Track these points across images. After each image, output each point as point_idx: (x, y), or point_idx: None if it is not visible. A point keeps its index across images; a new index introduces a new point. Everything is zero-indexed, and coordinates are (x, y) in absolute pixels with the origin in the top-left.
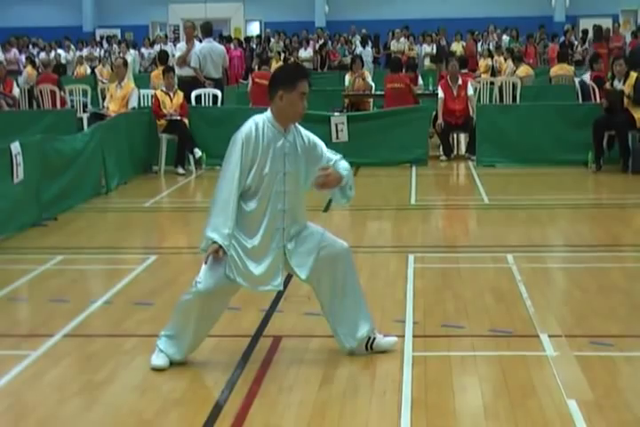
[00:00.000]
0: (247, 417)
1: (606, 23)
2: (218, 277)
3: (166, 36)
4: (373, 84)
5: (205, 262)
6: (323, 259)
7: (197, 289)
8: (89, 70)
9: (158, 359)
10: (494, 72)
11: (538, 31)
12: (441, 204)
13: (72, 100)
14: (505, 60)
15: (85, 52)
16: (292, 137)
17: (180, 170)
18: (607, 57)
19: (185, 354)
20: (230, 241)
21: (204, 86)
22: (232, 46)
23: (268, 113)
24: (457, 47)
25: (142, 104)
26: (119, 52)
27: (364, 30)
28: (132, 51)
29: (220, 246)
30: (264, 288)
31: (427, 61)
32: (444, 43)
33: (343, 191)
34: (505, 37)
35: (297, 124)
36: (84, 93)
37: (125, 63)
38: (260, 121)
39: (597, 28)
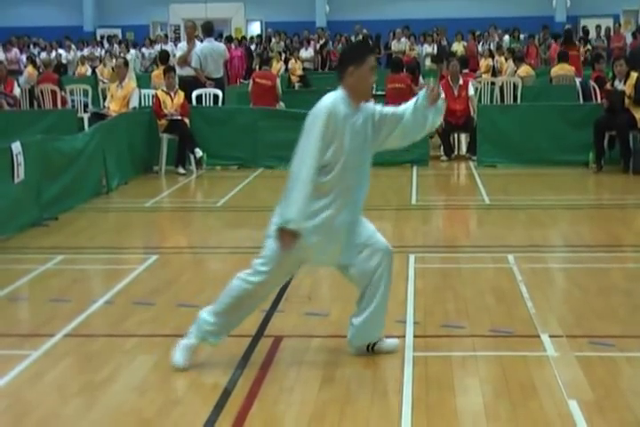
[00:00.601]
0: (248, 417)
1: (607, 23)
2: (286, 262)
3: (167, 36)
4: (374, 85)
5: (280, 245)
6: (365, 255)
7: (262, 279)
8: (90, 70)
9: (181, 356)
10: (495, 72)
11: (542, 31)
12: (442, 204)
13: (73, 100)
14: (506, 60)
15: (86, 51)
16: (363, 113)
17: (181, 170)
18: (577, 59)
19: (222, 337)
20: (306, 223)
21: (205, 86)
22: (233, 46)
23: (340, 91)
24: (458, 47)
25: (143, 104)
26: (119, 52)
27: (365, 30)
28: (132, 51)
29: (296, 231)
30: (333, 262)
31: (427, 61)
32: (444, 43)
33: (437, 110)
34: (506, 37)
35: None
36: (85, 93)
37: (126, 63)
38: (337, 97)
39: (567, 30)
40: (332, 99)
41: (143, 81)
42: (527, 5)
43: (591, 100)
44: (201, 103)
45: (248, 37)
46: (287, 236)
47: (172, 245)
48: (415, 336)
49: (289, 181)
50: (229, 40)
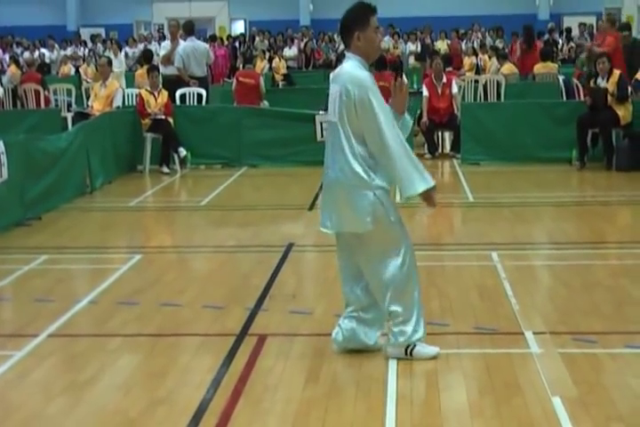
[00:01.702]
0: (232, 416)
1: (590, 21)
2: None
3: (151, 35)
4: None
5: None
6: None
7: (406, 250)
8: (73, 70)
9: (428, 349)
10: (479, 70)
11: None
12: None
13: (56, 100)
14: (489, 58)
15: (69, 51)
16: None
17: (165, 169)
18: (534, 56)
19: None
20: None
21: (189, 85)
22: (216, 45)
23: (352, 58)
24: (442, 45)
25: (127, 103)
26: (103, 51)
27: None
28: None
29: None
30: None
31: (411, 60)
32: (428, 41)
33: (405, 127)
34: (489, 37)
35: None
36: (69, 93)
37: (110, 62)
38: (356, 63)
39: (527, 28)
40: (354, 67)
41: (126, 80)
42: (510, 3)
43: (574, 97)
44: (185, 102)
45: (232, 36)
46: (431, 195)
47: (156, 245)
48: None
49: (382, 158)
50: (213, 39)
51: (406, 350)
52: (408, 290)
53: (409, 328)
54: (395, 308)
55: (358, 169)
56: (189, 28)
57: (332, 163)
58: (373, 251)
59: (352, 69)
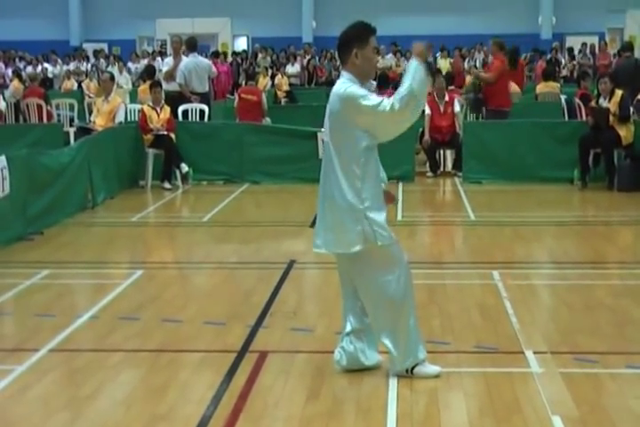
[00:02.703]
0: None
1: (592, 41)
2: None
3: (154, 51)
4: None
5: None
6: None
7: (400, 273)
8: (76, 84)
9: (430, 369)
10: (481, 89)
11: (530, 52)
12: (427, 220)
13: (59, 115)
14: None
15: (72, 66)
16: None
17: (167, 185)
18: (521, 77)
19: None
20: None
21: (191, 101)
22: (219, 61)
23: (346, 75)
24: (444, 64)
25: (129, 119)
26: (106, 66)
27: None
28: (130, 64)
29: None
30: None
31: None
32: (431, 59)
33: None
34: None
35: None
36: (71, 108)
37: (112, 78)
38: (348, 81)
39: (513, 49)
40: (346, 83)
41: (129, 96)
42: (513, 23)
43: (576, 117)
44: (187, 118)
45: (233, 52)
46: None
47: (158, 260)
48: None
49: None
50: (216, 55)
51: (407, 369)
52: (403, 315)
53: (404, 358)
54: (386, 341)
55: (348, 191)
56: (192, 45)
57: (325, 182)
58: (366, 272)
59: (341, 86)
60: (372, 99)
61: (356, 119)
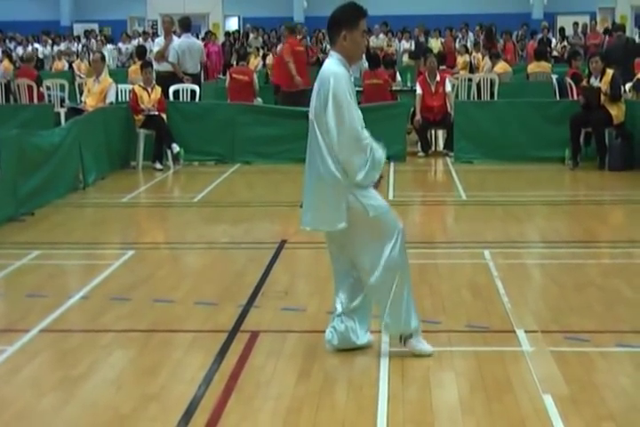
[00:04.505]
0: (224, 412)
1: (583, 20)
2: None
3: (144, 32)
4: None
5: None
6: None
7: (395, 240)
8: (66, 65)
9: (424, 346)
10: (472, 69)
11: (520, 29)
12: (418, 200)
13: (49, 95)
14: (483, 56)
15: (63, 46)
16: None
17: (158, 165)
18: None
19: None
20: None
21: (183, 82)
22: (211, 42)
23: (334, 55)
24: (435, 44)
25: (120, 99)
26: (97, 46)
27: None
28: (108, 46)
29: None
30: None
31: (405, 58)
32: (422, 39)
33: None
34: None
35: None
36: (62, 88)
37: (103, 58)
38: (336, 61)
39: (488, 28)
40: (335, 64)
41: (120, 76)
42: (505, 3)
43: (567, 96)
44: (178, 99)
45: (225, 32)
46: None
47: (149, 241)
48: None
49: (343, 151)
50: (207, 36)
51: (400, 338)
52: (398, 283)
53: (397, 325)
54: (380, 308)
55: (333, 168)
56: (186, 24)
57: (310, 160)
58: (362, 243)
59: (330, 66)
60: (347, 117)
61: (325, 109)
